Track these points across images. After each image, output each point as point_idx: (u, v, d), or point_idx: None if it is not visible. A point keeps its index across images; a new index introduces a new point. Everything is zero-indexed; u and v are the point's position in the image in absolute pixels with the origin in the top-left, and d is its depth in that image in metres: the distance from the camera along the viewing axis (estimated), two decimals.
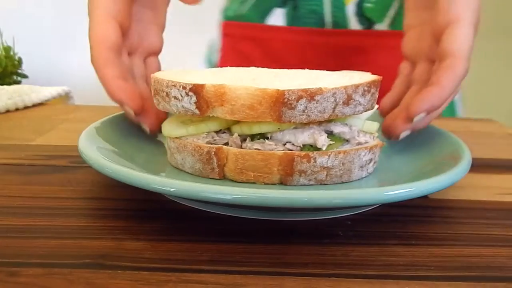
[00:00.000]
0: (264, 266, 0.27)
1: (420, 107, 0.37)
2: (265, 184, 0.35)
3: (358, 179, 0.37)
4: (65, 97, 0.72)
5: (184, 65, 0.52)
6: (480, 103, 1.63)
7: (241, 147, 0.36)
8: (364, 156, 0.36)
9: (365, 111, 0.37)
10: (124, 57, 0.43)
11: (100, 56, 0.39)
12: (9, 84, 1.48)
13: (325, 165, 0.35)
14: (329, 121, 0.36)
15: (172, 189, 0.29)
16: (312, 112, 0.34)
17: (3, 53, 1.52)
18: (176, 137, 0.38)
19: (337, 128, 0.37)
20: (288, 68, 0.45)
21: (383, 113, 0.45)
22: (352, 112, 0.35)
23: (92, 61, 0.40)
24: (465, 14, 0.39)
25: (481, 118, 0.65)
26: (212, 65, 0.84)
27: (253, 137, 0.36)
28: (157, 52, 0.47)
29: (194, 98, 0.35)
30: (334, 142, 0.36)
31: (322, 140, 0.35)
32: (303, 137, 0.36)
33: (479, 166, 0.42)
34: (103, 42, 0.40)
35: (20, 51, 1.58)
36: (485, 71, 1.65)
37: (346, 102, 0.34)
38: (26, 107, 0.63)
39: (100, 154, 0.34)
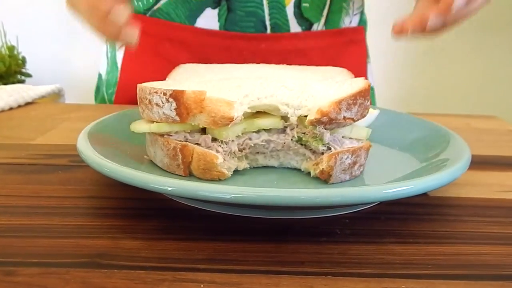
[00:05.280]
0: (260, 265, 0.27)
1: None
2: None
3: (341, 182, 0.35)
4: (56, 95, 0.72)
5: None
6: (481, 99, 1.62)
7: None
8: (346, 159, 0.35)
9: (356, 121, 0.35)
10: None
11: None
12: (13, 83, 1.49)
13: None
14: None
15: (170, 188, 0.29)
16: None
17: (7, 52, 1.53)
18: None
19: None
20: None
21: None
22: (339, 126, 0.35)
23: None
24: None
25: (482, 115, 0.65)
26: (113, 64, 0.71)
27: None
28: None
29: (174, 105, 0.34)
30: None
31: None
32: None
33: (480, 163, 0.42)
34: None
35: (24, 50, 1.59)
36: (486, 68, 1.64)
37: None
38: (27, 103, 0.63)
39: (98, 154, 0.34)
